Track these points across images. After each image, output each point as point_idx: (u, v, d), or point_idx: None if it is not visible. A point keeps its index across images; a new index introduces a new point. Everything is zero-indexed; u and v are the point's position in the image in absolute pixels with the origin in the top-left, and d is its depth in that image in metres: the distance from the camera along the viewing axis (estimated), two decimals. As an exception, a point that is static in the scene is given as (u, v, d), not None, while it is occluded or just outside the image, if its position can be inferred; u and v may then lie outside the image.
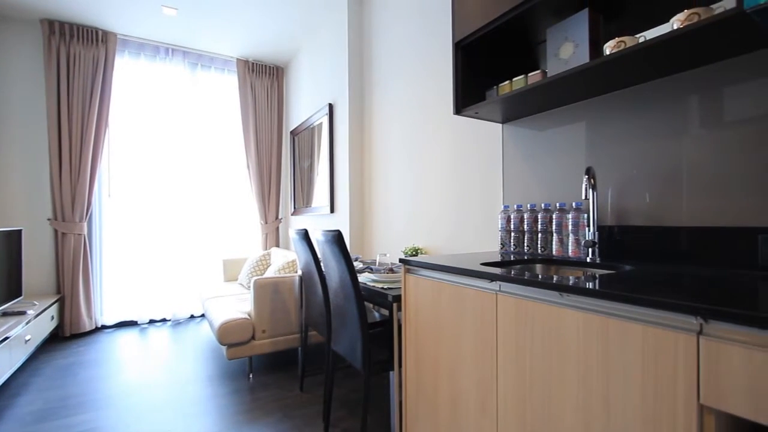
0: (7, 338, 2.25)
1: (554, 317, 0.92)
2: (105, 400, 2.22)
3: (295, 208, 4.29)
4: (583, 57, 1.26)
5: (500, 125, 1.86)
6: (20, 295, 2.95)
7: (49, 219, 3.49)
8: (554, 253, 1.49)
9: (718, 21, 0.88)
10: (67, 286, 3.43)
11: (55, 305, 3.28)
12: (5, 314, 2.67)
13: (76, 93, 3.43)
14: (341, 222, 3.21)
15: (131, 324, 3.85)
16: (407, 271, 1.49)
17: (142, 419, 2.00)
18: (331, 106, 3.34)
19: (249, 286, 3.48)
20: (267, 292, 2.50)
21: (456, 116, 2.14)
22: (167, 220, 3.96)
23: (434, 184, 2.32)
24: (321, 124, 3.54)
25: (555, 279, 0.96)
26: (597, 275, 1.01)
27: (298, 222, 4.25)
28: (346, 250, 1.57)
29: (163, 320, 3.98)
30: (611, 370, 0.81)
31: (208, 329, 3.68)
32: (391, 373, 1.60)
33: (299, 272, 2.80)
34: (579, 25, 1.28)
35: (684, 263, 1.16)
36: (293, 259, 2.88)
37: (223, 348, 2.41)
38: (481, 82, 1.68)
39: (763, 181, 1.03)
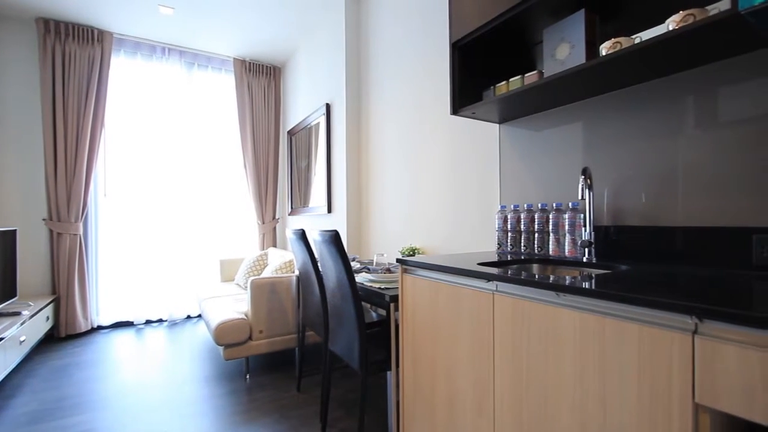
0: (1, 339, 2.23)
1: (551, 317, 0.93)
2: (101, 401, 2.20)
3: (292, 208, 4.29)
4: (579, 58, 1.26)
5: (497, 125, 1.86)
6: (15, 296, 2.93)
7: (44, 219, 3.47)
8: (551, 253, 1.50)
9: (713, 22, 0.88)
10: (63, 286, 3.41)
11: (51, 306, 3.26)
12: (0, 315, 2.65)
13: (71, 92, 3.41)
14: (338, 222, 3.21)
15: (127, 324, 3.83)
16: (404, 271, 1.49)
17: (139, 420, 1.99)
18: (328, 106, 3.34)
19: (246, 287, 3.47)
20: (264, 292, 2.49)
21: (453, 116, 2.14)
22: (164, 220, 3.94)
23: (431, 184, 2.32)
24: (318, 124, 3.53)
25: (551, 279, 0.96)
26: (593, 275, 1.02)
27: (295, 222, 4.25)
28: (344, 250, 1.57)
29: (160, 321, 3.97)
30: (607, 369, 0.81)
31: (205, 330, 3.67)
32: (388, 373, 1.60)
33: (296, 272, 2.79)
34: (575, 26, 1.28)
35: (679, 263, 1.17)
36: (290, 259, 2.88)
37: (220, 348, 2.40)
38: (478, 82, 1.68)
39: (758, 182, 1.03)
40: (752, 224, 1.04)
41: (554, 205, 1.51)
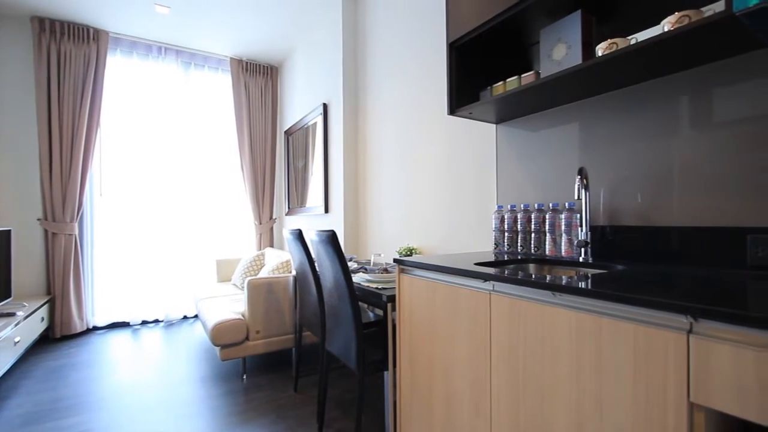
0: (-4, 340, 2.22)
1: (547, 317, 0.93)
2: (97, 402, 2.19)
3: (289, 208, 4.28)
4: (575, 58, 1.27)
5: (494, 125, 1.87)
6: (9, 297, 2.91)
7: (39, 219, 3.45)
8: (547, 252, 1.50)
9: (708, 23, 0.89)
10: (58, 287, 3.39)
11: (46, 306, 3.23)
12: (-6, 316, 2.64)
13: (66, 92, 3.39)
14: (336, 222, 3.21)
15: (123, 325, 3.81)
16: (401, 271, 1.49)
17: (135, 421, 1.98)
18: (325, 106, 3.34)
19: (243, 287, 3.46)
20: (261, 292, 2.49)
21: (450, 116, 2.15)
22: (160, 221, 3.92)
23: (429, 185, 2.32)
24: (315, 123, 3.53)
25: (548, 279, 0.96)
26: (589, 275, 1.02)
27: (292, 222, 4.24)
28: (341, 250, 1.57)
29: (156, 321, 3.95)
30: (603, 368, 0.82)
31: (202, 330, 3.65)
32: (385, 373, 1.60)
33: (293, 272, 2.79)
34: (572, 26, 1.29)
35: (675, 263, 1.18)
36: (287, 260, 2.87)
37: (217, 349, 2.39)
38: (475, 82, 1.68)
39: (754, 182, 1.04)
40: (747, 224, 1.05)
41: (551, 205, 1.52)
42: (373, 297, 1.65)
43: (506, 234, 1.67)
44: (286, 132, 4.33)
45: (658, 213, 1.25)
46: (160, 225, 3.93)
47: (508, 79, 1.50)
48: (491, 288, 1.10)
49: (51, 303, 3.38)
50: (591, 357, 0.84)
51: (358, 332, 1.55)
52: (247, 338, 2.43)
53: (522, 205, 1.66)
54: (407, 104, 2.51)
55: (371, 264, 2.27)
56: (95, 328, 3.69)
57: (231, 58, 4.21)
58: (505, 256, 1.51)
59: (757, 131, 1.03)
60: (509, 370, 1.04)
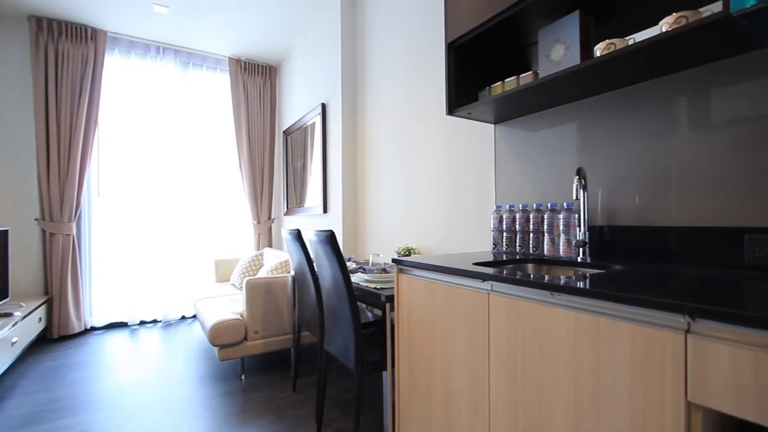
0: (-7, 340, 2.21)
1: (545, 316, 0.93)
2: (95, 403, 2.19)
3: (287, 208, 4.28)
4: (573, 59, 1.27)
5: (492, 126, 1.87)
6: (7, 297, 2.90)
7: (36, 219, 3.44)
8: (546, 252, 1.50)
9: (705, 24, 0.89)
10: (56, 287, 3.38)
11: (43, 307, 3.22)
12: (-9, 316, 2.63)
13: (64, 91, 3.38)
14: (334, 222, 3.21)
15: (121, 325, 3.81)
16: (400, 271, 1.49)
17: (133, 421, 1.98)
18: (324, 106, 3.33)
19: (241, 287, 3.45)
20: (259, 292, 2.49)
21: (449, 116, 2.15)
22: (158, 221, 3.92)
23: (427, 184, 2.32)
24: (314, 123, 3.53)
25: (546, 278, 0.96)
26: (587, 275, 1.02)
27: (290, 222, 4.24)
28: (339, 250, 1.57)
29: (154, 321, 3.94)
30: (601, 368, 0.82)
31: (200, 330, 3.65)
32: (384, 373, 1.60)
33: (292, 272, 2.79)
34: (570, 27, 1.29)
35: (673, 263, 1.18)
36: (286, 260, 2.87)
37: (215, 349, 2.39)
38: (474, 82, 1.68)
39: (751, 182, 1.04)
40: (744, 224, 1.05)
41: (549, 205, 1.52)
42: (371, 297, 1.65)
43: (505, 234, 1.67)
44: (284, 132, 4.32)
45: (655, 213, 1.25)
46: (158, 225, 3.92)
47: (506, 80, 1.50)
48: (490, 288, 1.10)
49: (49, 303, 3.37)
50: (589, 357, 0.84)
51: (356, 332, 1.55)
52: (245, 338, 2.43)
53: (520, 205, 1.66)
54: (406, 104, 2.51)
55: (370, 264, 2.27)
56: (93, 329, 3.68)
57: (229, 58, 4.20)
58: (504, 256, 1.51)
59: (755, 132, 1.04)
60: (508, 369, 1.04)
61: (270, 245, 4.54)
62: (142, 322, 3.89)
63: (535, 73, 1.41)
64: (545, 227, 1.51)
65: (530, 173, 1.68)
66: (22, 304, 3.02)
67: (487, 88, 1.60)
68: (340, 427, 1.91)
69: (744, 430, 0.76)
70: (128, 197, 3.83)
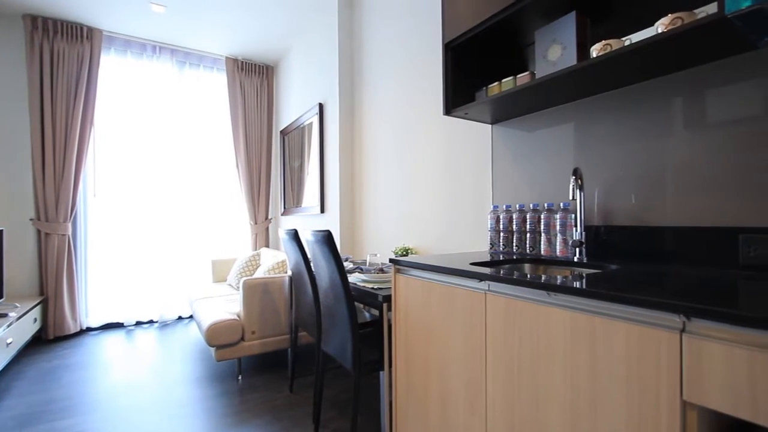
0: (-13, 341, 2.19)
1: (542, 316, 0.93)
2: (90, 404, 2.18)
3: (285, 208, 4.27)
4: (570, 59, 1.28)
5: (490, 126, 1.87)
6: (1, 297, 2.88)
7: (31, 219, 3.41)
8: (542, 252, 1.51)
9: (700, 25, 0.90)
10: (51, 287, 3.36)
11: (38, 307, 3.20)
12: (-14, 317, 2.61)
13: (60, 91, 3.36)
14: (331, 222, 3.20)
15: (117, 326, 3.79)
16: (397, 271, 1.49)
17: (129, 422, 1.97)
18: (321, 106, 3.33)
19: (238, 287, 3.44)
20: (256, 292, 2.48)
21: (446, 117, 2.15)
22: (154, 221, 3.90)
23: (425, 185, 2.33)
24: (311, 123, 3.52)
25: (543, 278, 0.97)
26: (584, 274, 1.03)
27: (288, 222, 4.23)
28: (336, 250, 1.57)
29: (150, 322, 3.92)
30: (597, 367, 0.82)
31: (197, 331, 3.64)
32: (381, 373, 1.60)
33: (289, 273, 2.78)
34: (567, 27, 1.29)
35: (668, 262, 1.19)
36: (283, 260, 2.86)
37: (212, 349, 2.38)
38: (471, 82, 1.69)
39: (746, 182, 1.05)
40: (739, 224, 1.06)
41: (546, 205, 1.52)
42: (368, 297, 1.65)
43: (502, 234, 1.67)
44: (281, 132, 4.31)
45: (651, 213, 1.26)
46: (154, 225, 3.90)
47: (503, 80, 1.50)
48: (487, 288, 1.10)
49: (44, 304, 3.35)
50: (585, 356, 0.84)
51: (353, 332, 1.55)
52: (242, 339, 2.42)
53: (517, 205, 1.67)
54: (403, 104, 2.51)
55: (367, 264, 2.27)
56: (89, 329, 3.66)
57: (226, 58, 4.19)
58: (501, 256, 1.51)
59: (750, 132, 1.04)
60: (504, 369, 1.04)
61: (267, 245, 4.53)
62: (139, 323, 3.87)
63: (532, 74, 1.42)
64: (542, 227, 1.51)
65: (527, 173, 1.68)
66: (17, 304, 3.00)
67: (485, 88, 1.60)
68: (338, 427, 1.91)
69: (739, 428, 0.76)
70: (124, 197, 3.81)
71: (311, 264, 1.95)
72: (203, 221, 4.19)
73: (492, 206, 1.84)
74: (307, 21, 3.53)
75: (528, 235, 1.57)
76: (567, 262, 1.34)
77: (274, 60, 4.41)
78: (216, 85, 4.26)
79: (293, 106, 4.02)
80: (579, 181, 1.35)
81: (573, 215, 1.43)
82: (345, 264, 2.30)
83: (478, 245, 1.95)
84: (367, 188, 2.93)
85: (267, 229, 4.50)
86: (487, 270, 1.13)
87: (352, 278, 1.85)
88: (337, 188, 3.10)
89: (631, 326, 0.76)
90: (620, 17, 1.32)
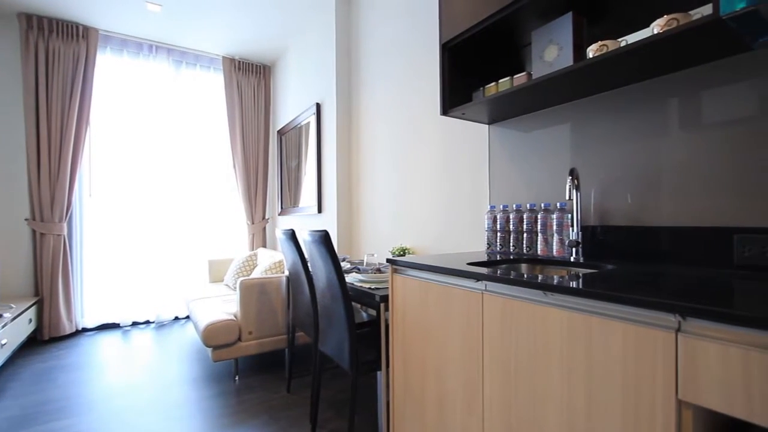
0: (-18, 342, 2.18)
1: (539, 316, 0.94)
2: (86, 405, 2.16)
3: (282, 208, 4.26)
4: (566, 60, 1.28)
5: (487, 126, 1.88)
6: (-4, 298, 2.86)
7: (26, 219, 3.39)
8: (539, 252, 1.51)
9: (695, 27, 0.90)
10: (46, 288, 3.33)
11: (33, 308, 3.18)
12: (-20, 317, 2.59)
13: (55, 90, 3.34)
14: (329, 222, 3.20)
15: (113, 326, 3.77)
16: (394, 271, 1.49)
17: (125, 423, 1.96)
18: (318, 106, 3.33)
19: (235, 287, 3.44)
20: (253, 292, 2.47)
21: (443, 117, 2.15)
22: (151, 221, 3.88)
23: (422, 184, 2.33)
24: (308, 123, 3.52)
25: (539, 278, 0.97)
26: (580, 274, 1.03)
27: (285, 222, 4.22)
28: (333, 250, 1.57)
29: (147, 322, 3.91)
30: (594, 367, 0.82)
31: (193, 331, 3.62)
32: (378, 373, 1.60)
33: (286, 273, 2.78)
34: (563, 28, 1.30)
35: (664, 262, 1.19)
36: (280, 260, 2.86)
37: (209, 350, 2.37)
38: (468, 83, 1.69)
39: (741, 182, 1.06)
40: (734, 224, 1.06)
41: (542, 205, 1.53)
42: (366, 297, 1.65)
43: (499, 234, 1.68)
44: (279, 132, 4.31)
45: (647, 213, 1.26)
46: (151, 225, 3.89)
47: (500, 80, 1.51)
48: (483, 288, 1.10)
49: (39, 304, 3.33)
50: (581, 356, 0.85)
51: (351, 332, 1.55)
52: (239, 339, 2.42)
53: (514, 206, 1.67)
54: (401, 104, 2.51)
55: (364, 264, 2.27)
56: (84, 330, 3.64)
57: (223, 57, 4.18)
58: (498, 256, 1.52)
59: (745, 133, 1.05)
60: (501, 369, 1.04)
61: (264, 245, 4.52)
62: (135, 323, 3.86)
63: (529, 74, 1.42)
64: (539, 227, 1.51)
65: (524, 173, 1.68)
66: (11, 305, 2.98)
67: (481, 88, 1.60)
68: (335, 427, 1.90)
69: (734, 427, 0.77)
70: (120, 197, 3.79)
71: (308, 264, 1.94)
72: (200, 221, 4.17)
73: (489, 206, 1.84)
74: (305, 20, 3.53)
75: (525, 235, 1.58)
76: (564, 262, 1.35)
77: (272, 59, 4.40)
78: (213, 84, 4.25)
79: (290, 105, 4.01)
80: (575, 182, 1.36)
81: (569, 215, 1.43)
82: (342, 264, 2.30)
83: (475, 245, 1.95)
84: (364, 188, 2.93)
85: (264, 229, 4.49)
86: (484, 270, 1.13)
87: (350, 278, 1.85)
88: (334, 188, 3.09)
89: (628, 326, 0.76)
90: (616, 18, 1.32)
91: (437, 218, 2.21)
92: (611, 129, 1.36)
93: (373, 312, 2.42)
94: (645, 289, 0.79)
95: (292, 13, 3.40)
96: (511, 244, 1.63)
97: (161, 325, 3.82)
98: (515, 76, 1.45)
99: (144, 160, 3.86)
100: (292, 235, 2.02)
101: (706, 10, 0.96)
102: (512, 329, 1.01)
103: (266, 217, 4.50)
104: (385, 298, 1.55)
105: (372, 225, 2.84)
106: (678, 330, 0.69)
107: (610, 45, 1.13)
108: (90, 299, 3.67)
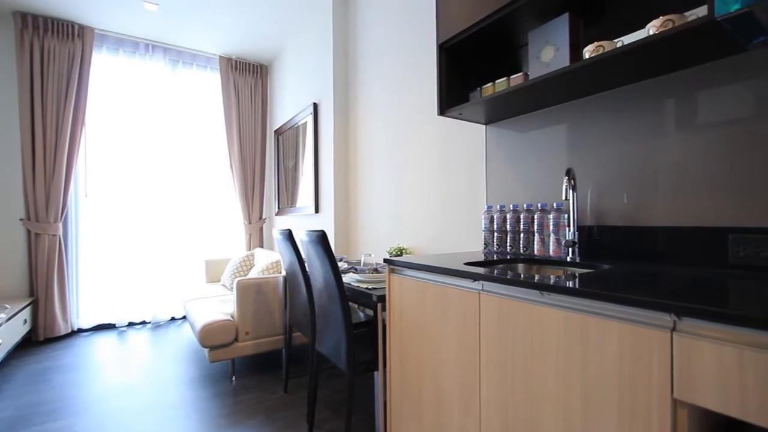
0: (-24, 343, 2.16)
1: (535, 316, 0.94)
2: (82, 406, 2.15)
3: (279, 208, 4.25)
4: (563, 60, 1.28)
5: (484, 126, 1.88)
6: (-9, 299, 2.84)
7: (21, 219, 3.37)
8: (536, 252, 1.52)
9: (691, 28, 0.91)
10: (41, 288, 3.31)
11: (29, 308, 3.16)
12: (-26, 318, 2.57)
13: (50, 89, 3.32)
14: (326, 222, 3.20)
15: (109, 327, 3.75)
16: (392, 271, 1.49)
17: (121, 424, 1.95)
18: (315, 106, 3.32)
19: (232, 287, 3.43)
20: (250, 293, 2.47)
21: (440, 117, 2.16)
22: (147, 221, 3.87)
23: (419, 184, 2.33)
24: (306, 123, 3.51)
25: (536, 278, 0.97)
26: (576, 274, 1.03)
27: (282, 222, 4.21)
28: (330, 250, 1.57)
29: (143, 323, 3.89)
30: (590, 366, 0.83)
31: (190, 331, 3.61)
32: (375, 373, 1.60)
33: (283, 273, 2.77)
34: (559, 29, 1.30)
35: (660, 262, 1.20)
36: (277, 260, 2.85)
37: (205, 350, 2.36)
38: (465, 83, 1.69)
39: (735, 183, 1.07)
40: (729, 224, 1.07)
41: (539, 205, 1.53)
42: (363, 297, 1.65)
43: (495, 234, 1.68)
44: (276, 131, 4.30)
45: (643, 213, 1.27)
46: (147, 225, 3.87)
47: (497, 81, 1.51)
48: (480, 288, 1.10)
49: (34, 305, 3.31)
50: (578, 355, 0.85)
51: (348, 332, 1.55)
52: (236, 339, 2.41)
53: (511, 206, 1.67)
54: (398, 104, 2.51)
55: (361, 264, 2.27)
56: (80, 331, 3.62)
57: (220, 57, 4.17)
58: (495, 256, 1.52)
59: (740, 133, 1.06)
60: (498, 369, 1.05)
61: (261, 245, 4.51)
62: (131, 324, 3.84)
63: (526, 75, 1.43)
64: (535, 227, 1.52)
65: (521, 174, 1.69)
66: (6, 305, 2.96)
67: (478, 89, 1.60)
68: (332, 428, 1.90)
69: (728, 426, 0.77)
70: (116, 197, 3.77)
71: (305, 264, 1.94)
72: (197, 221, 4.16)
73: (486, 206, 1.84)
74: (302, 20, 3.52)
75: (521, 235, 1.58)
76: (560, 262, 1.35)
77: (269, 59, 4.40)
78: (209, 84, 4.23)
79: (287, 105, 4.00)
80: (572, 182, 1.36)
81: (566, 215, 1.44)
82: (339, 264, 2.30)
83: (472, 245, 1.96)
84: (361, 188, 2.93)
85: (261, 229, 4.48)
86: (480, 270, 1.13)
87: (347, 278, 1.85)
88: (331, 188, 3.09)
89: (623, 325, 0.77)
90: (612, 19, 1.33)
91: (434, 218, 2.21)
92: (607, 129, 1.37)
93: (370, 312, 2.42)
94: (641, 289, 0.80)
95: (289, 12, 3.39)
96: (508, 244, 1.63)
97: (157, 326, 3.80)
98: (512, 77, 1.45)
99: (140, 160, 3.85)
100: (289, 235, 2.02)
101: (701, 11, 0.96)
102: (509, 329, 1.01)
103: (263, 217, 4.49)
104: (382, 298, 1.55)
105: (369, 225, 2.83)
106: (673, 329, 0.69)
107: (607, 46, 1.14)
108: (86, 300, 3.64)
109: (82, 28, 3.46)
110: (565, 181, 1.33)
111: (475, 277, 1.10)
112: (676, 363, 0.69)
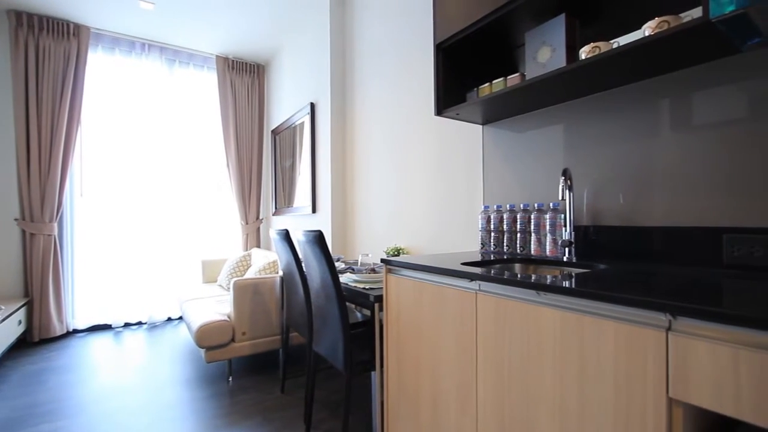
0: (-30, 344, 2.15)
1: (532, 316, 0.94)
2: (77, 407, 2.14)
3: (276, 208, 4.24)
4: (559, 61, 1.29)
5: (481, 126, 1.88)
6: (-15, 299, 2.82)
7: (16, 219, 3.35)
8: (532, 252, 1.52)
9: (686, 29, 0.91)
10: (36, 288, 3.29)
11: (23, 309, 3.14)
12: (-32, 319, 2.55)
13: (45, 88, 3.30)
14: (323, 222, 3.19)
15: (105, 328, 3.73)
16: (389, 271, 1.49)
17: (117, 425, 1.94)
18: (312, 106, 3.32)
19: (229, 288, 3.42)
20: (247, 293, 2.46)
21: (438, 117, 2.16)
22: (143, 221, 3.85)
23: (417, 184, 2.33)
24: (303, 123, 3.51)
25: (533, 278, 0.97)
26: (573, 274, 1.04)
27: (279, 222, 4.21)
28: (328, 250, 1.56)
29: (139, 323, 3.87)
30: (586, 366, 0.83)
31: (186, 332, 3.60)
32: (372, 373, 1.60)
33: (280, 273, 2.77)
34: (556, 29, 1.31)
35: (655, 262, 1.20)
36: (274, 260, 2.85)
37: (202, 351, 2.36)
38: (462, 83, 1.70)
39: (730, 183, 1.07)
40: (723, 224, 1.08)
41: (536, 205, 1.54)
42: (360, 297, 1.64)
43: (492, 234, 1.68)
44: (273, 131, 4.29)
45: (639, 213, 1.28)
46: (143, 225, 3.85)
47: (494, 81, 1.51)
48: (477, 288, 1.10)
49: (29, 305, 3.29)
50: (574, 355, 0.85)
51: (345, 333, 1.54)
52: (232, 340, 2.40)
53: (508, 206, 1.68)
54: (395, 104, 2.51)
55: (359, 264, 2.27)
56: (75, 331, 3.60)
57: (217, 56, 4.15)
58: (492, 256, 1.52)
59: (735, 134, 1.06)
60: (495, 368, 1.05)
61: (258, 245, 4.50)
62: (127, 324, 3.82)
63: (522, 75, 1.43)
64: (532, 227, 1.52)
65: (518, 174, 1.69)
66: (1, 306, 2.93)
67: (475, 89, 1.61)
68: (329, 428, 1.90)
69: (723, 425, 0.78)
70: (112, 197, 3.75)
71: (302, 264, 1.94)
72: (193, 221, 4.14)
73: (483, 206, 1.85)
74: (299, 19, 3.52)
75: (518, 235, 1.58)
76: (556, 262, 1.36)
77: (266, 59, 4.39)
78: (206, 83, 4.22)
79: (284, 105, 4.00)
80: (568, 182, 1.37)
81: (562, 215, 1.44)
82: (336, 264, 2.30)
83: (469, 245, 1.96)
84: (358, 188, 2.93)
85: (258, 229, 4.47)
86: (477, 270, 1.13)
87: (344, 278, 1.84)
88: (328, 188, 3.09)
89: (619, 325, 0.77)
90: (609, 20, 1.33)
91: (431, 218, 2.21)
92: (604, 130, 1.37)
93: (367, 312, 2.42)
94: (636, 289, 0.80)
95: (287, 12, 3.39)
96: (505, 244, 1.64)
97: (153, 326, 3.79)
98: (509, 77, 1.46)
99: (136, 159, 3.83)
100: (286, 236, 2.02)
101: (696, 12, 0.97)
102: (506, 329, 1.02)
103: (260, 217, 4.48)
104: (379, 299, 1.55)
105: (366, 225, 2.83)
106: (669, 329, 0.70)
107: (603, 46, 1.14)
108: (81, 300, 3.62)
109: (77, 27, 3.44)
110: (561, 181, 1.34)
111: (472, 277, 1.10)
112: (671, 362, 0.69)
